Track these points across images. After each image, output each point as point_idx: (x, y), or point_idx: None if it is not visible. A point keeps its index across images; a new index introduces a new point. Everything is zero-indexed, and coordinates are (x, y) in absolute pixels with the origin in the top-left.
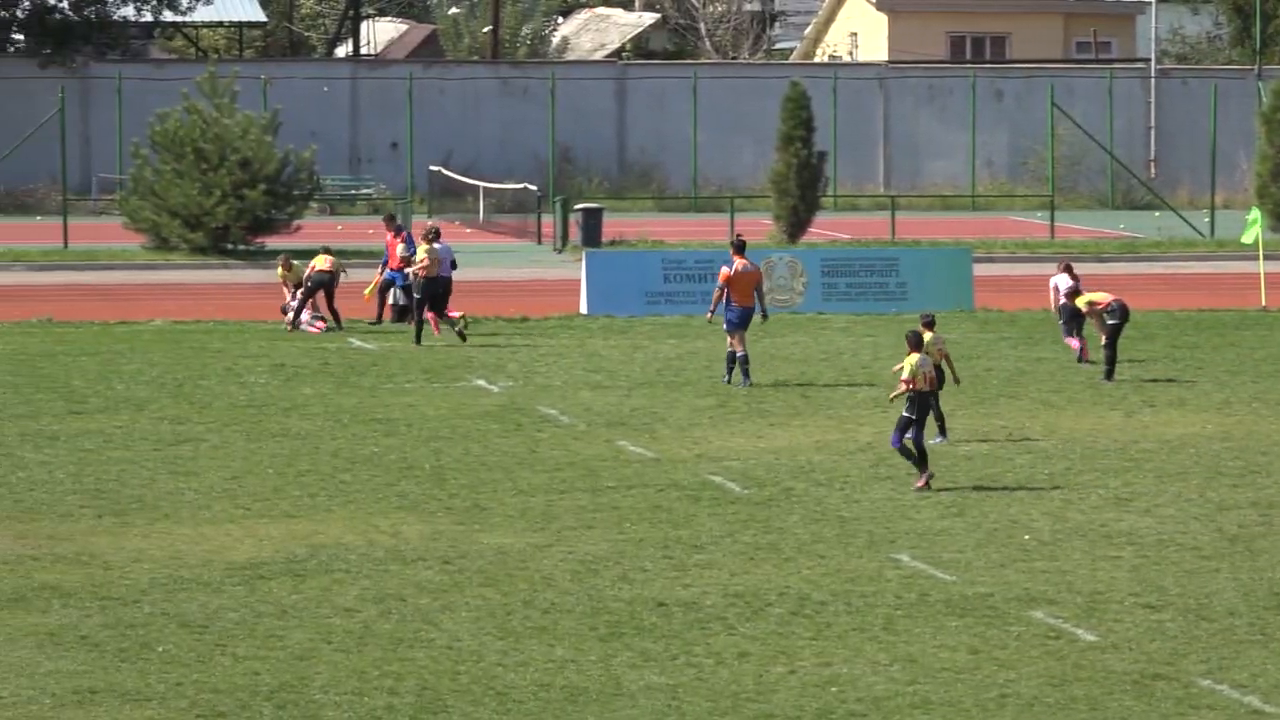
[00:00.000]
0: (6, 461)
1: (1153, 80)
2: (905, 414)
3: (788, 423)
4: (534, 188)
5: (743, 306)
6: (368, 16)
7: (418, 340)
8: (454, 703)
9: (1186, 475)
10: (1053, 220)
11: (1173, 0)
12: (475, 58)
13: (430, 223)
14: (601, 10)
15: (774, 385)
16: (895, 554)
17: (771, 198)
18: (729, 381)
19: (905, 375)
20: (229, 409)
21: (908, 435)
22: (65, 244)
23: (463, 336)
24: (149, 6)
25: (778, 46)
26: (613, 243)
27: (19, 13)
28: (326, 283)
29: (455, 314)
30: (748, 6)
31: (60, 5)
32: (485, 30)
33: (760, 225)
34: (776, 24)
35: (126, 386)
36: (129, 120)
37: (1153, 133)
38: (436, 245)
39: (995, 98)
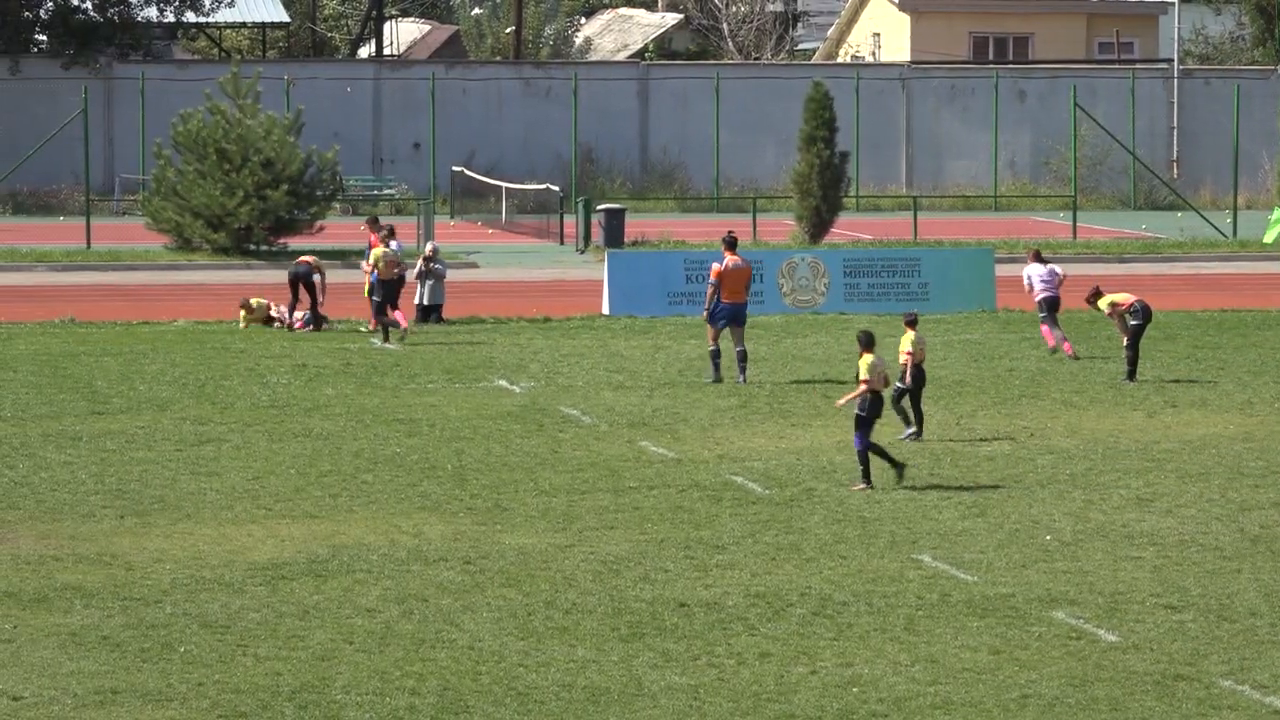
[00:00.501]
0: (29, 462)
1: (1175, 80)
2: (860, 413)
3: (809, 423)
4: (556, 188)
5: (733, 303)
6: (391, 17)
7: (385, 338)
8: (476, 703)
9: (1208, 476)
10: (1075, 221)
11: (1195, 0)
12: (498, 58)
13: (385, 222)
14: (624, 11)
15: (796, 385)
16: (917, 554)
17: (794, 198)
18: (716, 380)
19: (863, 375)
20: (251, 409)
21: (855, 434)
22: (88, 244)
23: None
24: (172, 7)
25: (800, 47)
26: (635, 243)
27: (43, 13)
28: (304, 274)
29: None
30: (771, 7)
31: (84, 6)
32: (508, 31)
33: (782, 226)
34: (799, 24)
35: (149, 387)
36: (152, 121)
37: (1175, 133)
38: (393, 245)
39: (1018, 98)
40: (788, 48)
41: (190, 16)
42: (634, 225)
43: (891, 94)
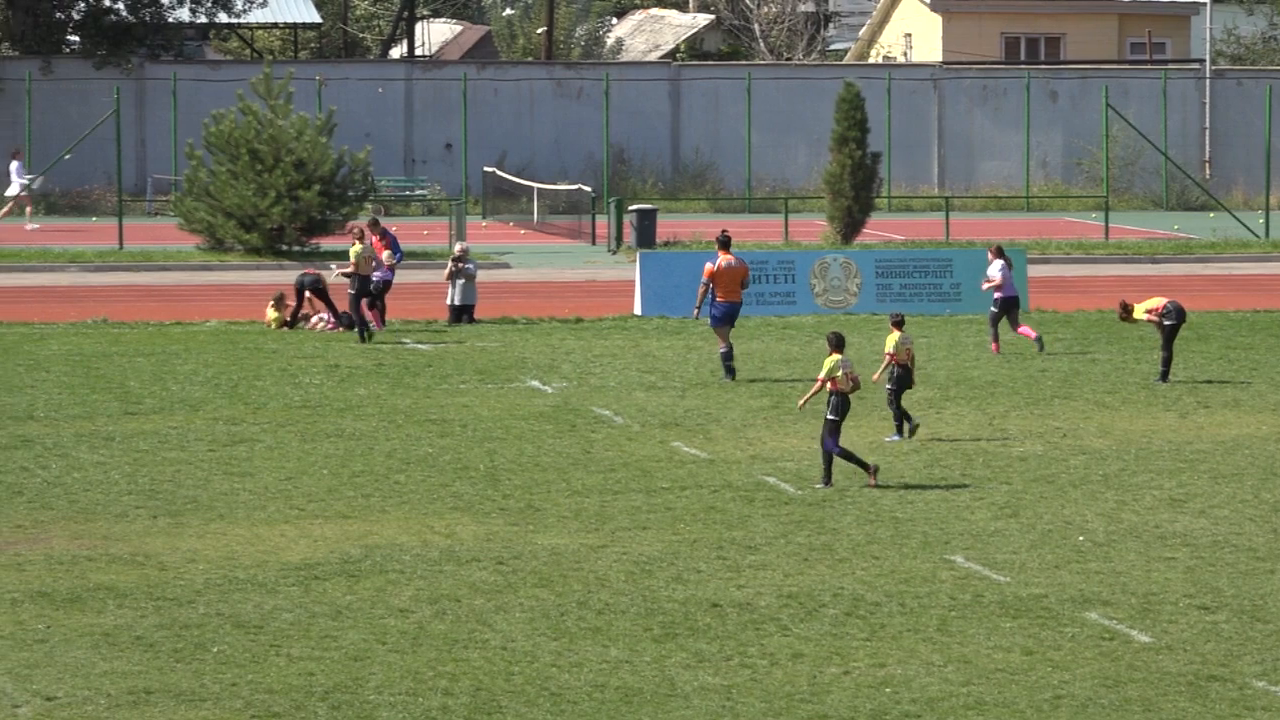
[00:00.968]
0: (62, 462)
1: (1207, 81)
2: (830, 417)
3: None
4: (588, 189)
5: (728, 302)
6: (422, 18)
7: (363, 338)
8: (508, 703)
9: (1241, 476)
10: (1107, 221)
11: (1227, 1)
12: (530, 59)
13: (358, 223)
14: (656, 11)
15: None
16: (949, 555)
17: (826, 199)
18: (733, 380)
19: (822, 374)
20: (284, 410)
21: (828, 439)
22: (120, 245)
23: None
24: (204, 8)
25: (832, 47)
26: (667, 244)
27: (75, 14)
28: (310, 283)
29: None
30: (802, 7)
31: (116, 7)
32: (540, 31)
33: (814, 226)
34: (831, 25)
35: (181, 387)
36: (184, 121)
37: (1207, 133)
38: (365, 245)
39: (1050, 98)
40: (819, 48)
41: (222, 17)
42: (666, 226)
43: (923, 94)
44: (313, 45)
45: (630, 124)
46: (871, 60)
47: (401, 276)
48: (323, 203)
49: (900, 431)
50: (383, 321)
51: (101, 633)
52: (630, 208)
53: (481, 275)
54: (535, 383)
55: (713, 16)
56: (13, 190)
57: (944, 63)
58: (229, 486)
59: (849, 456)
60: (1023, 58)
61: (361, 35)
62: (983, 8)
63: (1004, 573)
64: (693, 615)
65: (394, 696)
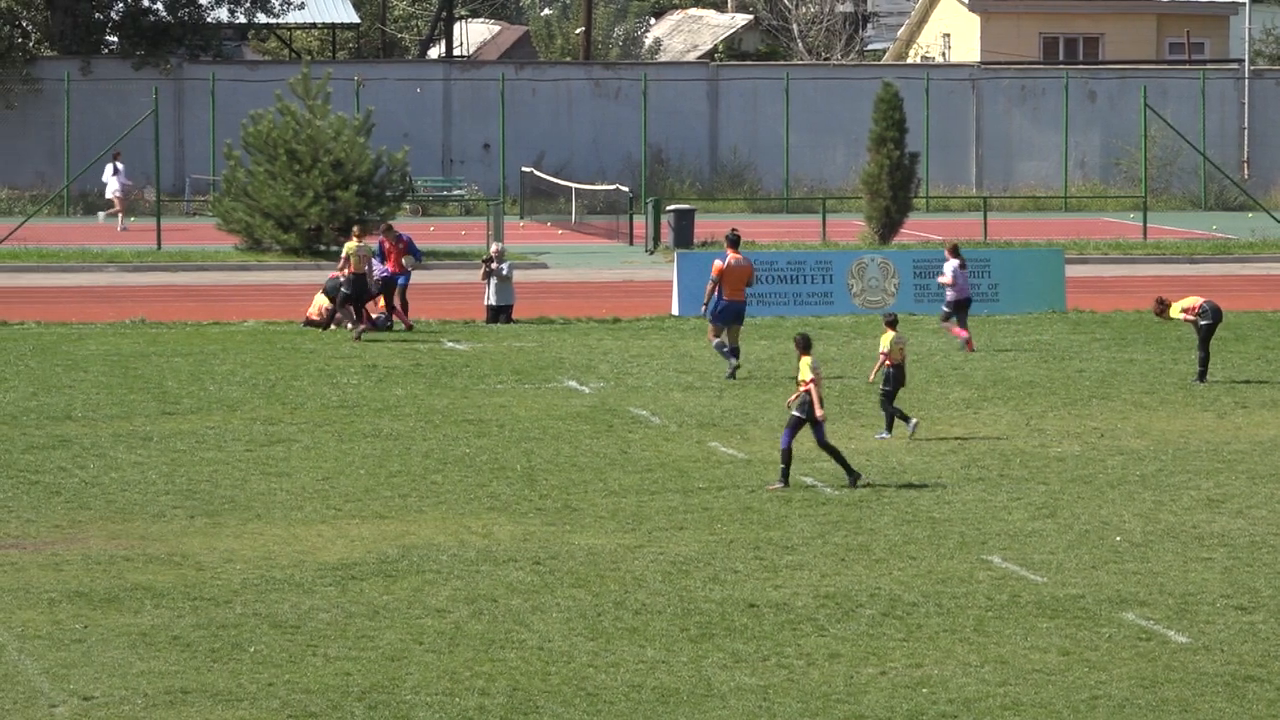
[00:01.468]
0: (100, 462)
1: (1246, 81)
2: (795, 414)
3: (879, 424)
4: (626, 189)
5: (733, 300)
6: (461, 18)
7: (358, 336)
8: (545, 704)
9: (1279, 477)
10: (1145, 221)
11: (1266, 1)
12: (568, 59)
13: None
14: (694, 11)
15: (866, 387)
16: (986, 555)
17: (863, 199)
18: (733, 376)
19: (803, 377)
20: (321, 410)
21: (804, 438)
22: (159, 245)
23: (360, 335)
24: (242, 9)
25: (870, 48)
26: (704, 244)
27: (114, 14)
28: (330, 289)
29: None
30: (840, 8)
31: (154, 7)
32: (578, 31)
33: (852, 226)
34: (869, 25)
35: (219, 387)
36: (222, 122)
37: (1246, 134)
38: (361, 244)
39: (1088, 98)
40: (857, 48)
41: (260, 18)
42: (703, 226)
43: (961, 95)
44: (351, 45)
45: (668, 124)
46: (910, 60)
47: (439, 276)
48: (360, 203)
49: (889, 429)
50: (407, 320)
51: (138, 632)
52: (668, 208)
53: (519, 275)
54: (572, 383)
55: (751, 16)
56: (113, 190)
57: (982, 63)
58: (266, 486)
59: (838, 457)
60: (1061, 58)
61: (400, 35)
62: (1021, 8)
63: (1041, 573)
64: (729, 615)
65: (431, 696)
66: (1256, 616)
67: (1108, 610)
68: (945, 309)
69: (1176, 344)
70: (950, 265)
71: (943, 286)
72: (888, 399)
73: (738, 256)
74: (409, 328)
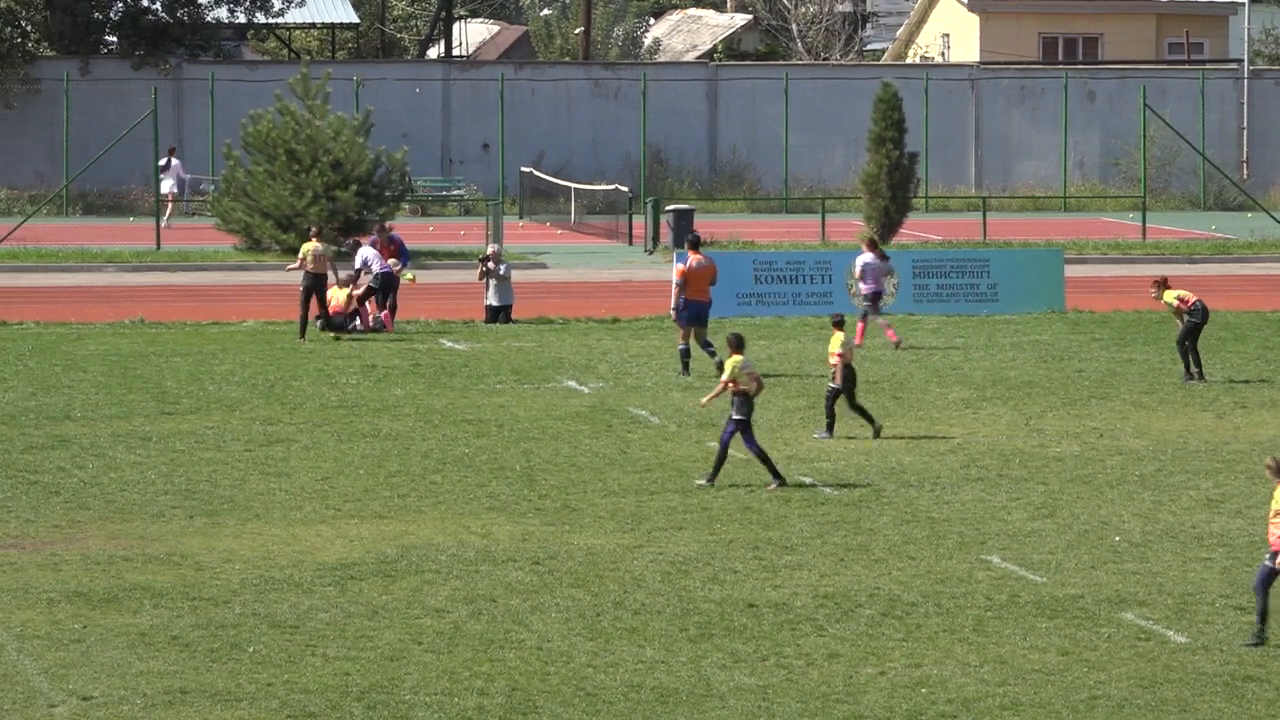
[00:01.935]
0: (99, 462)
1: (1245, 81)
2: (735, 417)
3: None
4: (625, 189)
5: (697, 301)
6: (460, 18)
7: (303, 335)
8: (544, 703)
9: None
10: (1144, 221)
11: (1266, 1)
12: (567, 59)
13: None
14: (693, 11)
15: (864, 386)
16: (986, 555)
17: (863, 199)
18: (685, 374)
19: (725, 376)
20: (320, 410)
21: (742, 440)
22: (158, 245)
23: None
24: (242, 8)
25: (869, 48)
26: (704, 244)
27: (113, 14)
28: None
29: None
30: (839, 8)
31: (154, 7)
32: (577, 31)
33: (851, 226)
34: (868, 25)
35: (218, 387)
36: (221, 122)
37: (1245, 134)
38: (319, 245)
39: (1087, 98)
40: (856, 48)
41: (260, 17)
42: (702, 226)
43: (960, 95)
44: (350, 45)
45: (667, 124)
46: (909, 60)
47: (438, 276)
48: (360, 203)
49: (830, 430)
50: (391, 323)
51: (137, 632)
52: (667, 208)
53: (518, 275)
54: (572, 383)
55: (750, 16)
56: (169, 187)
57: (981, 63)
58: (265, 486)
59: (765, 460)
60: (1060, 58)
61: (399, 35)
62: (1020, 8)
63: (1040, 573)
64: (729, 615)
65: (430, 696)
66: (1255, 616)
67: (1107, 610)
68: (864, 303)
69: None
70: (863, 258)
71: (867, 281)
72: (835, 398)
73: (700, 258)
74: (388, 329)
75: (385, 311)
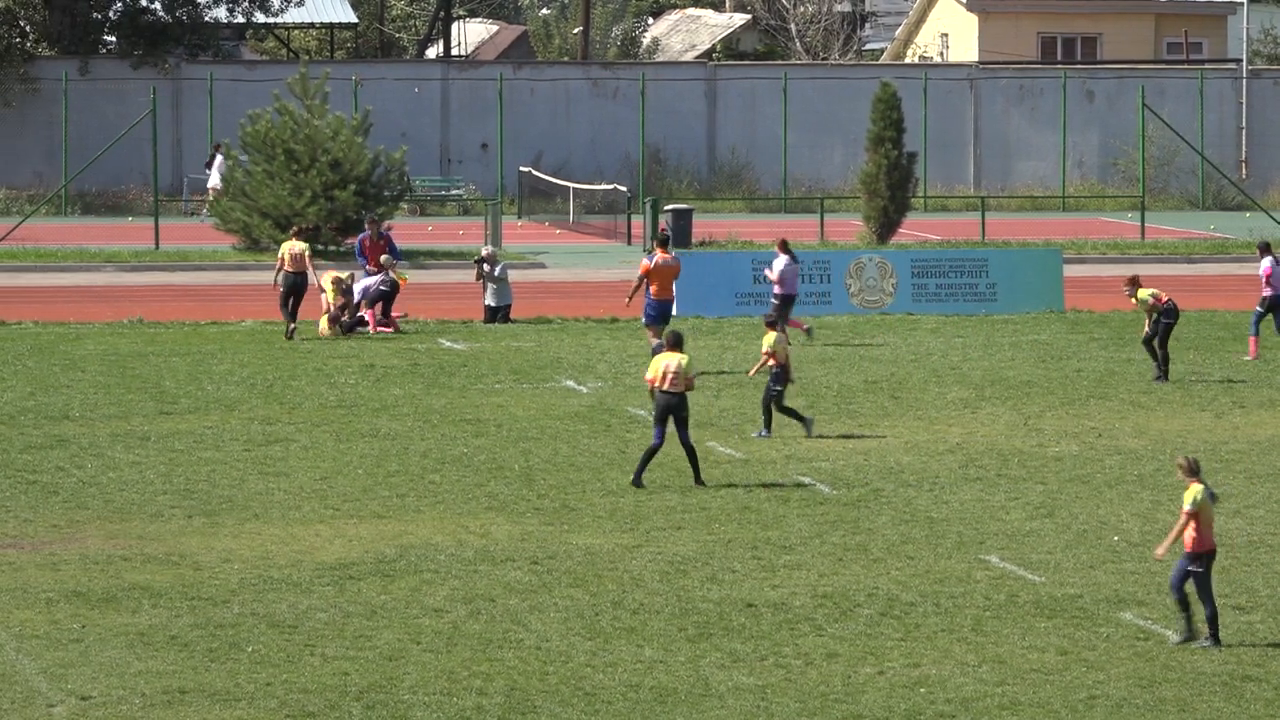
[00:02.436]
0: (98, 462)
1: (1244, 81)
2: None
3: (877, 423)
4: (624, 189)
5: (662, 299)
6: (458, 18)
7: (289, 335)
8: (543, 703)
9: (1277, 476)
10: (1143, 221)
11: (1265, 0)
12: (566, 59)
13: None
14: (692, 11)
15: (864, 386)
16: (984, 555)
17: (861, 198)
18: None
19: (649, 375)
20: (319, 410)
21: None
22: (156, 245)
23: (290, 336)
24: (241, 8)
25: (868, 47)
26: (702, 243)
27: (112, 14)
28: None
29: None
30: (838, 7)
31: (153, 7)
32: (575, 31)
33: (850, 226)
34: (867, 25)
35: (217, 387)
36: (220, 121)
37: (1244, 133)
38: (296, 244)
39: (1086, 98)
40: (855, 48)
41: (259, 17)
42: (701, 226)
43: (959, 94)
44: (349, 45)
45: (666, 124)
46: (908, 60)
47: (437, 276)
48: (358, 203)
49: (768, 428)
50: (375, 325)
51: (136, 632)
52: (666, 208)
53: (516, 275)
54: (570, 382)
55: (749, 16)
56: (214, 182)
57: (980, 63)
58: (264, 486)
59: (692, 460)
60: (1059, 57)
61: (398, 35)
62: (1019, 7)
63: (1039, 573)
64: (727, 615)
65: (428, 696)
66: (1254, 616)
67: (1105, 610)
68: (774, 303)
69: (1173, 345)
70: (780, 261)
71: (770, 283)
72: (775, 399)
73: (666, 256)
74: (374, 330)
75: (370, 311)
